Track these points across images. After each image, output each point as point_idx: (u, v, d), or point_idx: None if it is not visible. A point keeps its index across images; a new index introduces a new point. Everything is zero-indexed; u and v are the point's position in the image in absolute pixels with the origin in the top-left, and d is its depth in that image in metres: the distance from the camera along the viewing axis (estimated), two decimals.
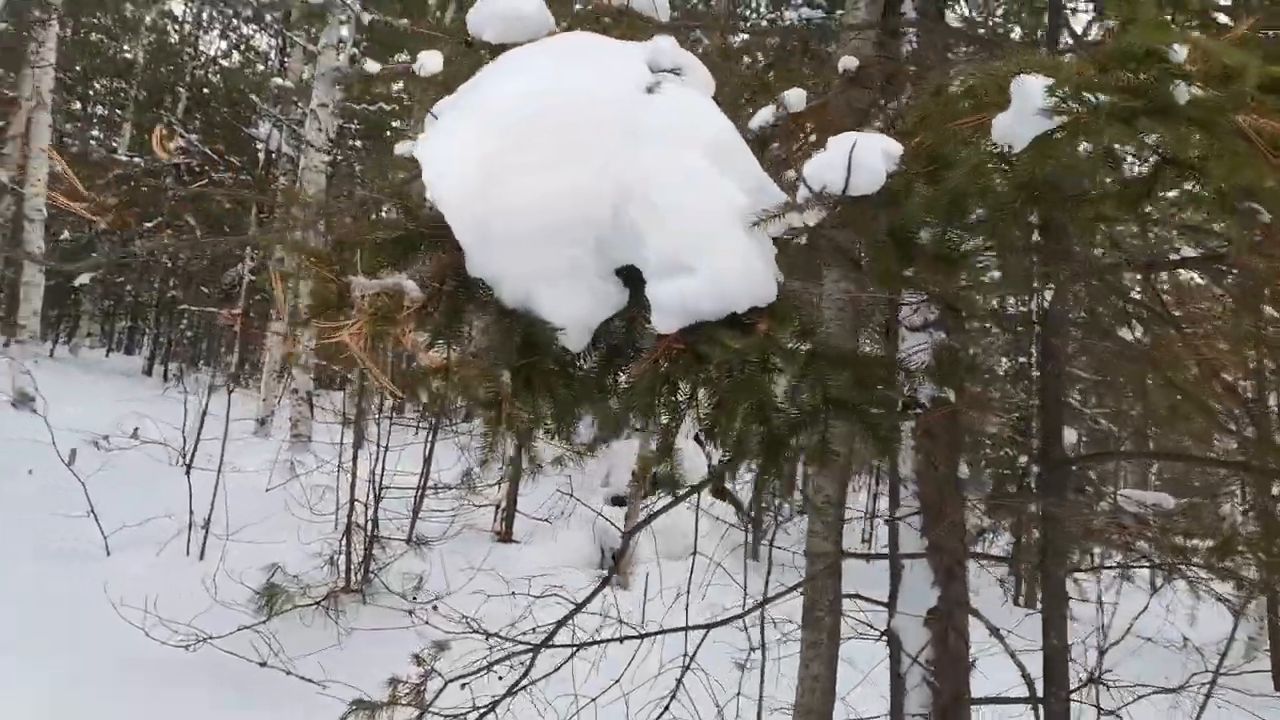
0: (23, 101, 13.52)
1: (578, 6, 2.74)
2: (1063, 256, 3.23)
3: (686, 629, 2.95)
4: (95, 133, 27.01)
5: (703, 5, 12.75)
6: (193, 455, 8.36)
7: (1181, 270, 3.96)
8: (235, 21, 26.33)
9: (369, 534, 7.07)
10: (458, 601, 5.87)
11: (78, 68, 25.80)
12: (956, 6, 6.26)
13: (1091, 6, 5.05)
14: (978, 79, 1.74)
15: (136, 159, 23.09)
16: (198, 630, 5.57)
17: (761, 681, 3.77)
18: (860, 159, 1.77)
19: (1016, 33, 6.99)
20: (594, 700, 3.13)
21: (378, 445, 7.81)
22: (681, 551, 9.15)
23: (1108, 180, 1.61)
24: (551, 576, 6.61)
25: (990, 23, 6.91)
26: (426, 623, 5.06)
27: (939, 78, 1.53)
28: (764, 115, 2.18)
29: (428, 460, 8.17)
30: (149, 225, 19.05)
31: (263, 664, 5.48)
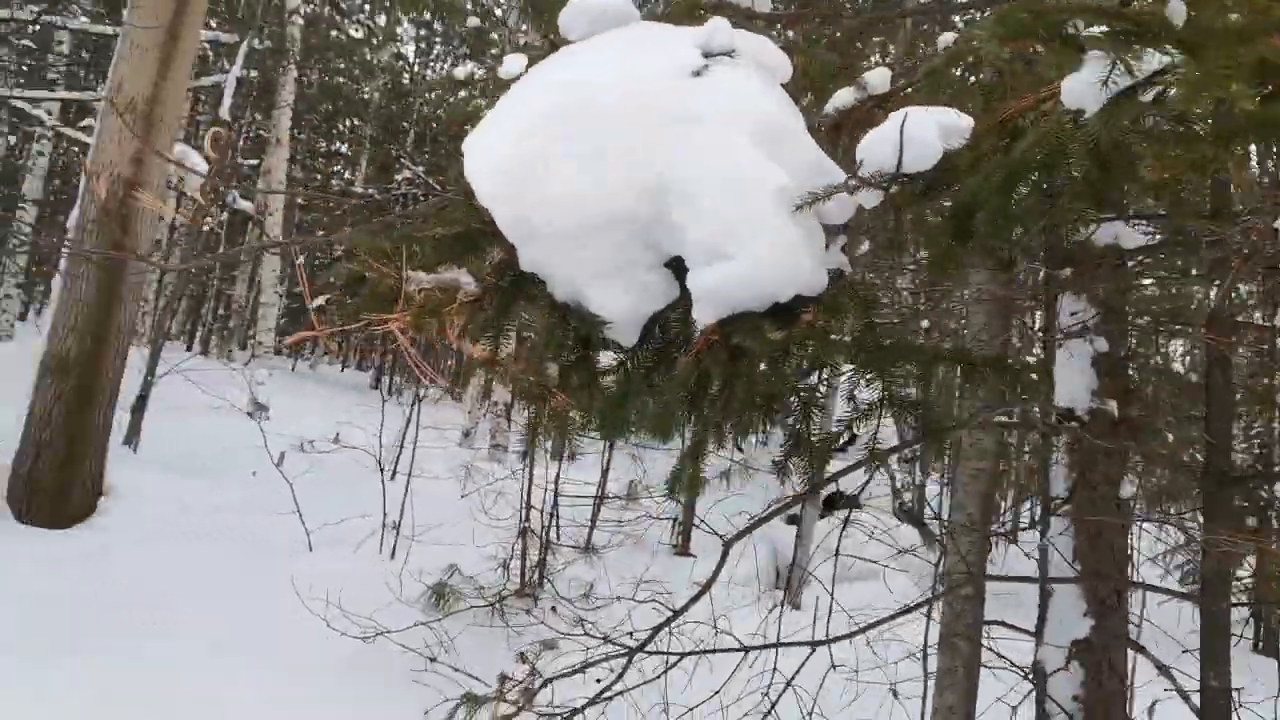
0: (272, 141, 15.04)
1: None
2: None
3: (778, 645, 2.82)
4: (337, 168, 29.51)
5: None
6: (396, 461, 8.96)
7: None
8: (456, 57, 27.93)
9: (543, 540, 7.29)
10: (620, 609, 5.92)
11: (325, 106, 28.14)
12: None
13: None
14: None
15: (371, 190, 25.13)
16: (376, 624, 5.90)
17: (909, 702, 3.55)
18: (912, 134, 1.64)
19: None
20: (690, 710, 3.05)
21: (559, 455, 8.05)
22: (864, 573, 8.84)
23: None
24: (721, 588, 6.53)
25: None
26: (594, 624, 5.14)
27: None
28: (843, 97, 2.07)
29: (605, 470, 8.33)
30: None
31: (432, 659, 5.74)
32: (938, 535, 9.82)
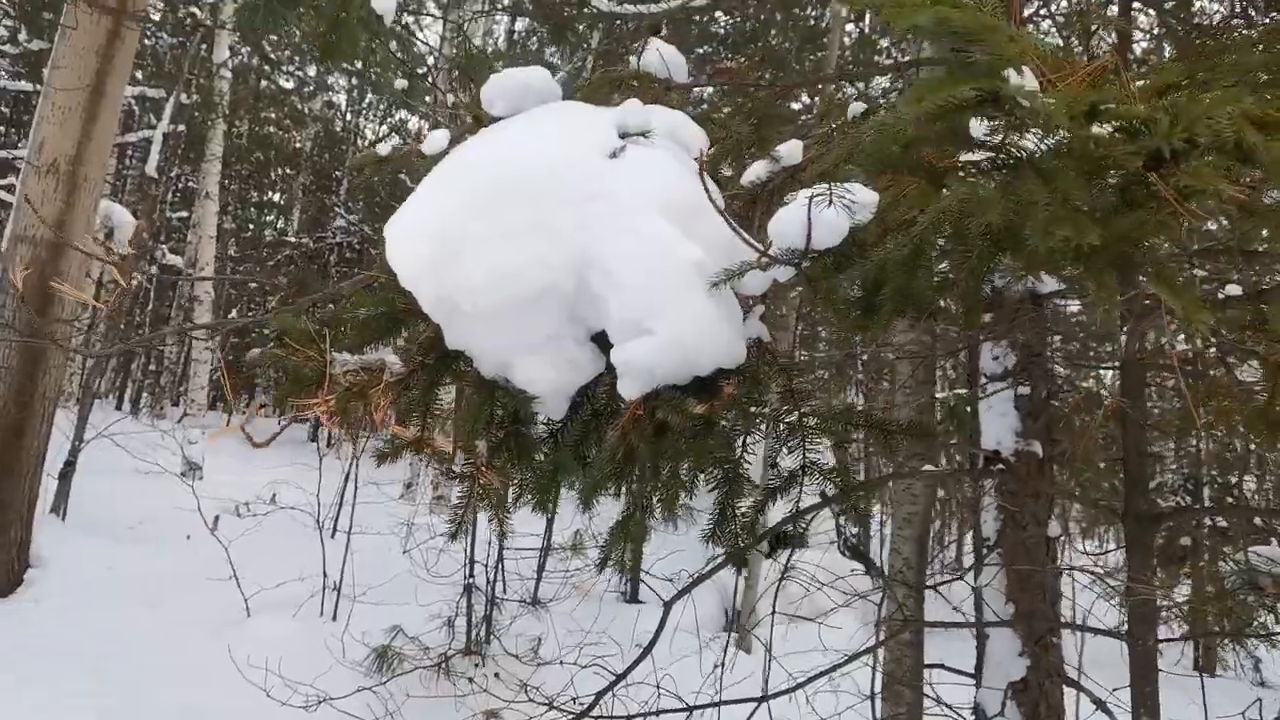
0: (201, 194, 14.82)
1: (584, 69, 2.76)
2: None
3: (719, 704, 2.83)
4: (270, 217, 29.17)
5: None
6: (336, 518, 8.80)
7: None
8: (389, 106, 27.90)
9: (489, 595, 7.20)
10: (569, 663, 5.87)
11: (256, 156, 27.84)
12: None
13: None
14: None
15: (305, 239, 24.83)
16: (319, 691, 5.76)
17: None
18: (820, 214, 1.70)
19: None
20: None
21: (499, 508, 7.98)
22: (813, 612, 8.87)
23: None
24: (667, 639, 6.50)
25: None
26: (538, 688, 5.08)
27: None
28: (756, 170, 2.13)
29: (550, 521, 8.28)
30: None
31: None
32: (883, 573, 9.92)
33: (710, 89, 2.80)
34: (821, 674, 2.87)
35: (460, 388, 1.91)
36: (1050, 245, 1.12)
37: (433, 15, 14.76)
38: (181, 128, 15.23)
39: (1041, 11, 4.40)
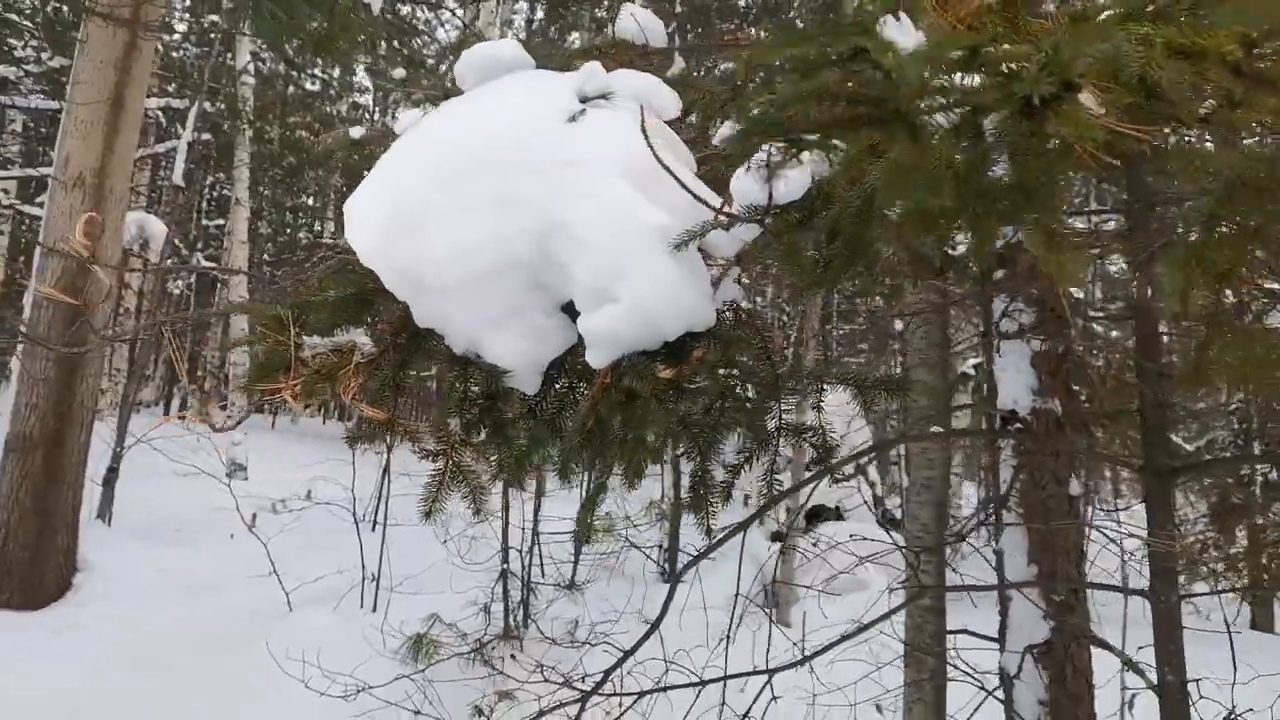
0: (233, 201, 15.03)
1: (575, 40, 2.72)
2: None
3: (725, 678, 2.79)
4: (305, 220, 29.48)
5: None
6: (376, 512, 8.89)
7: None
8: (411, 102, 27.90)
9: (524, 580, 7.23)
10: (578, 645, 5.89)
11: (288, 161, 28.08)
12: None
13: None
14: None
15: (340, 240, 25.12)
16: (358, 680, 5.82)
17: None
18: (780, 169, 1.65)
19: None
20: None
21: (535, 493, 8.03)
22: (852, 586, 8.80)
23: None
24: (699, 613, 6.50)
25: None
26: (554, 668, 5.10)
27: None
28: (726, 130, 2.08)
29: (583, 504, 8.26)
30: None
31: (416, 712, 5.66)
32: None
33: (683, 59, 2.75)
34: (829, 646, 2.82)
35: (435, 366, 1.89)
36: (906, 210, 1.06)
37: (450, 10, 14.79)
38: (207, 135, 15.41)
39: None
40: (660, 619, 2.62)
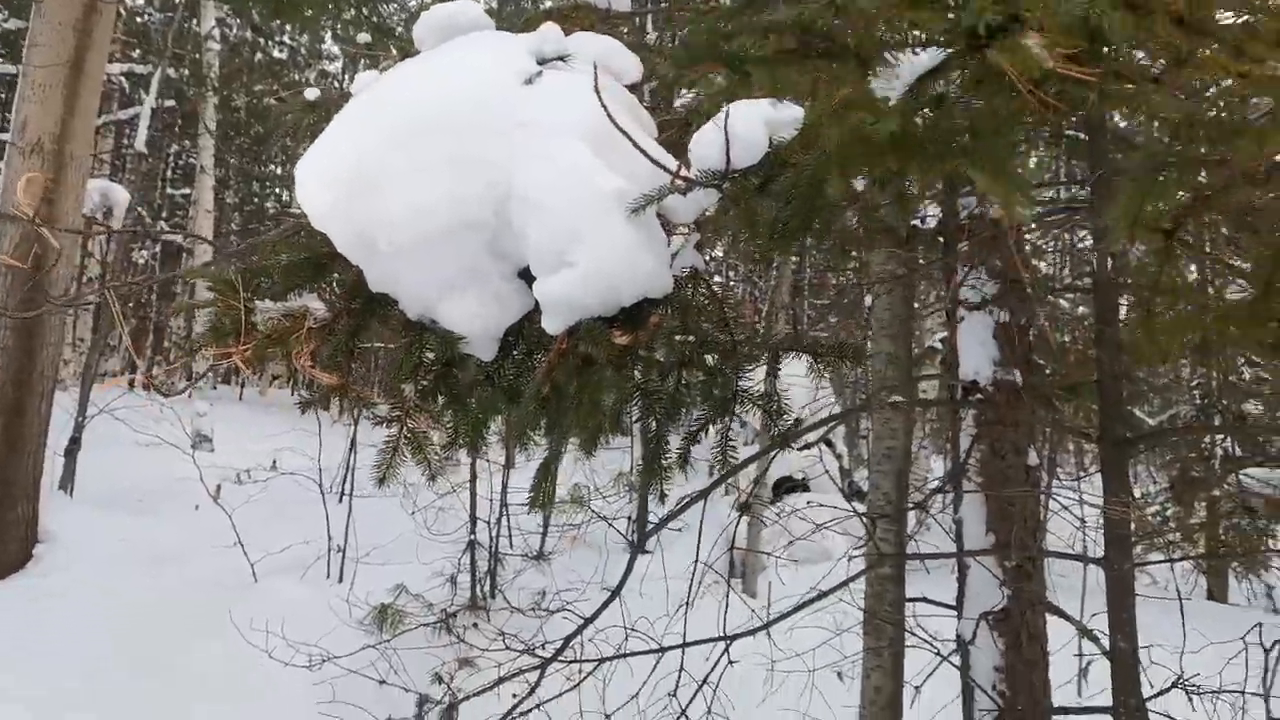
0: (197, 169, 14.77)
1: (548, 3, 2.69)
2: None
3: (684, 645, 2.82)
4: (273, 188, 29.06)
5: None
6: (343, 482, 8.84)
7: None
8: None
9: (491, 551, 7.24)
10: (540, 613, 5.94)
11: (255, 129, 27.59)
12: None
13: None
14: None
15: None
16: (323, 650, 5.81)
17: None
18: (737, 130, 1.64)
19: None
20: (608, 717, 3.04)
21: (503, 464, 8.02)
22: (817, 555, 8.89)
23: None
24: (661, 583, 6.53)
25: None
26: (515, 635, 5.11)
27: None
28: (688, 96, 2.06)
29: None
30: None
31: (381, 682, 5.67)
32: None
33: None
34: (788, 614, 2.85)
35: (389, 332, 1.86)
36: (840, 137, 1.05)
37: None
38: (171, 102, 15.11)
39: None
40: (620, 586, 2.63)
